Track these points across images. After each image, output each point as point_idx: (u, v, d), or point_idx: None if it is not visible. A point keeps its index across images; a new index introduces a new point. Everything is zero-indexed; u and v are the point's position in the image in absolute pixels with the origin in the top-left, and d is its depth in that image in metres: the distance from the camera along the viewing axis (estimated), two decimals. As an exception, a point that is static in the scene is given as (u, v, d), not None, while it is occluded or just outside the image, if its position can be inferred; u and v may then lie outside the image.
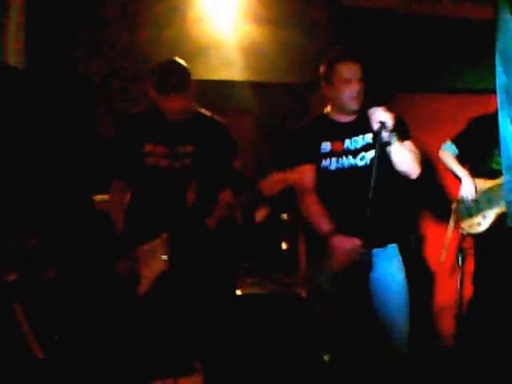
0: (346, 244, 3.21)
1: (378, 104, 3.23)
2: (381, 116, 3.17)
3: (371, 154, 3.29)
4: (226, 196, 3.33)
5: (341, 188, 3.31)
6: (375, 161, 3.16)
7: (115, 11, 4.77)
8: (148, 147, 3.37)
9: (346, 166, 3.33)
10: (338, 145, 3.35)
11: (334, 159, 3.35)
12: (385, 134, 3.16)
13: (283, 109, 4.84)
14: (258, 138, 4.86)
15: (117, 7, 4.76)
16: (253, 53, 4.73)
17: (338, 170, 3.34)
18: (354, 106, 3.27)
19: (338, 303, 3.34)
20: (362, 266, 3.22)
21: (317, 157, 3.36)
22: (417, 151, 3.32)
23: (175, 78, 3.25)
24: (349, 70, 3.25)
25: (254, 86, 4.76)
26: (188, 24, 4.72)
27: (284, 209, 4.47)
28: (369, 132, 3.32)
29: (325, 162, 3.36)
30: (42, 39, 4.61)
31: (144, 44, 4.70)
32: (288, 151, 3.47)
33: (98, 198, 3.93)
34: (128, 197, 3.49)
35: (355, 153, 3.32)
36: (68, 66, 4.68)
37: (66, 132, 4.57)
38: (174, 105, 3.27)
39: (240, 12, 4.74)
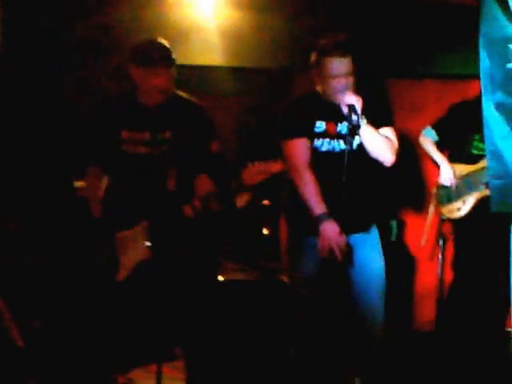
0: (335, 235, 3.21)
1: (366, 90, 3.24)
2: (349, 99, 3.17)
3: (359, 139, 3.29)
4: (205, 184, 3.32)
5: (329, 171, 3.31)
6: (346, 144, 3.19)
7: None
8: (125, 134, 3.32)
9: (336, 149, 3.33)
10: (331, 126, 3.34)
11: (326, 140, 3.34)
12: (354, 117, 3.17)
13: (264, 94, 4.82)
14: (238, 123, 4.84)
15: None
16: (233, 38, 4.69)
17: (328, 152, 3.33)
18: (337, 100, 3.24)
19: (320, 287, 3.36)
20: (342, 261, 3.25)
21: (310, 136, 3.34)
22: (393, 139, 3.32)
23: (161, 51, 3.21)
24: (335, 66, 3.21)
25: (235, 71, 4.73)
26: (167, 8, 4.67)
27: (266, 194, 4.46)
28: None
29: (316, 142, 3.35)
30: (18, 25, 4.55)
31: (122, 28, 4.65)
32: (283, 125, 3.44)
33: (78, 183, 3.89)
34: (105, 182, 3.45)
35: (344, 137, 3.31)
36: (45, 50, 4.63)
37: (45, 116, 4.52)
38: (158, 80, 3.20)
39: (221, -4, 4.71)
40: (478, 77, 3.06)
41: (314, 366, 3.42)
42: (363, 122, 3.18)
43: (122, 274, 3.27)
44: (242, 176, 3.13)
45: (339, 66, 3.20)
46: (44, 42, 4.60)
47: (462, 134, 4.06)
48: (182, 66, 3.32)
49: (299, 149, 3.32)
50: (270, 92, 4.82)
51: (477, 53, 3.00)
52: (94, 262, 3.35)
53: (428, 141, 4.19)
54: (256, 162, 3.12)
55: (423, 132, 4.20)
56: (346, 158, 3.17)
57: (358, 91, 3.22)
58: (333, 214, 3.24)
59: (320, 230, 3.24)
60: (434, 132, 4.17)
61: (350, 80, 3.23)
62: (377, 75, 4.36)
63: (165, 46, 3.23)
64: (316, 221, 3.25)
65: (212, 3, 4.69)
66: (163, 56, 3.20)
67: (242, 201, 4.05)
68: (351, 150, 3.24)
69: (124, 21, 4.64)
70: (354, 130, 3.20)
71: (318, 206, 3.26)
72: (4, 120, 4.17)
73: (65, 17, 4.65)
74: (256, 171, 3.12)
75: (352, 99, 3.17)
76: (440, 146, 4.18)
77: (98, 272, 3.35)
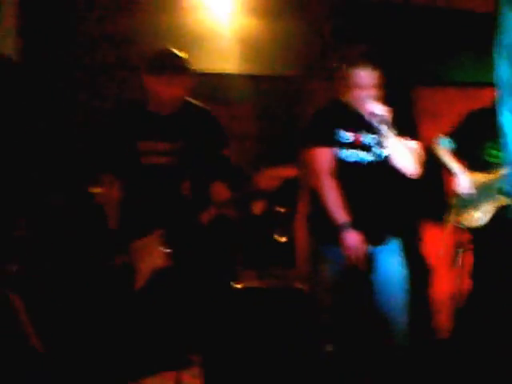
0: (357, 245, 3.21)
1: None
2: (378, 109, 3.16)
3: (385, 151, 3.30)
4: (221, 190, 3.32)
5: (353, 182, 3.30)
6: (373, 156, 3.18)
7: (109, 0, 4.73)
8: (141, 145, 3.32)
9: (361, 160, 3.32)
10: (356, 137, 3.33)
11: (351, 151, 3.33)
12: (382, 127, 3.16)
13: (280, 101, 4.82)
14: (255, 131, 4.84)
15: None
16: (250, 44, 4.70)
17: (353, 163, 3.33)
18: (363, 110, 3.23)
19: (341, 295, 3.36)
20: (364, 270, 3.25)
21: (335, 143, 3.34)
22: (419, 152, 3.31)
23: (176, 59, 3.22)
24: (363, 77, 3.20)
25: (251, 78, 4.72)
26: (183, 14, 4.68)
27: (281, 202, 4.46)
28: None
29: (341, 152, 3.34)
30: (36, 30, 4.57)
31: (138, 34, 4.66)
32: (308, 133, 3.43)
33: (94, 190, 3.91)
34: (120, 190, 3.46)
35: (370, 148, 3.31)
36: (62, 56, 4.65)
37: (63, 122, 4.54)
38: (173, 89, 3.20)
39: (237, 2, 4.70)
40: (491, 84, 3.03)
41: (334, 373, 3.42)
42: (391, 133, 3.17)
43: (140, 282, 3.28)
44: (255, 181, 3.14)
45: (367, 77, 3.19)
46: (59, 48, 4.63)
47: (477, 142, 4.05)
48: (198, 73, 3.32)
49: (323, 157, 3.31)
50: (285, 99, 4.82)
51: (491, 60, 2.99)
52: (111, 269, 3.35)
53: (443, 149, 4.15)
54: (269, 167, 3.13)
55: (438, 141, 4.17)
56: (372, 169, 3.16)
57: (386, 102, 3.20)
58: (357, 224, 3.23)
59: (342, 239, 3.23)
60: (449, 140, 4.14)
61: (378, 91, 3.22)
62: (404, 87, 4.34)
63: (178, 55, 3.23)
64: (338, 229, 3.24)
65: (227, 10, 4.70)
66: (176, 65, 3.20)
67: (257, 208, 4.05)
68: (377, 162, 3.23)
69: (139, 27, 4.66)
70: (382, 140, 3.19)
71: (340, 215, 3.25)
72: (20, 125, 4.19)
73: (80, 23, 4.68)
74: (270, 176, 3.13)
75: (381, 109, 3.16)
76: (455, 154, 4.15)
77: (114, 279, 3.35)
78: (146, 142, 3.32)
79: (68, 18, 4.64)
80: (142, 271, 3.28)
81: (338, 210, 3.26)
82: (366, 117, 3.22)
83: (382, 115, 3.15)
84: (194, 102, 3.39)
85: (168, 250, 3.25)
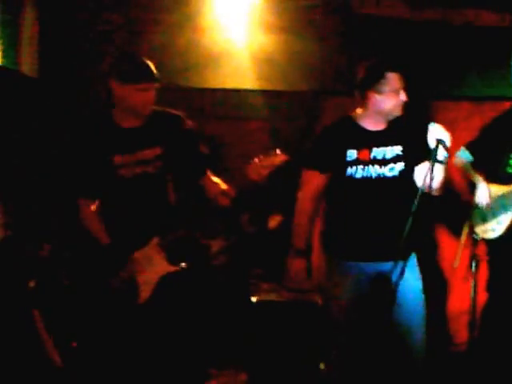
0: (299, 273, 3.36)
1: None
2: (440, 134, 3.13)
3: (400, 165, 3.32)
4: (214, 182, 3.32)
5: (366, 197, 3.31)
6: (427, 178, 3.08)
7: (126, 20, 4.80)
8: (118, 158, 3.28)
9: (373, 175, 3.33)
10: (364, 153, 3.34)
11: (359, 167, 3.33)
12: (440, 152, 3.11)
13: (295, 117, 4.85)
14: (269, 146, 4.84)
15: (127, 16, 4.80)
16: (264, 61, 4.75)
17: (363, 178, 3.33)
18: (398, 113, 3.28)
19: (358, 311, 3.37)
20: (386, 298, 3.21)
21: (342, 164, 3.35)
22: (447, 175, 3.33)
23: (147, 67, 3.19)
24: (399, 81, 3.25)
25: (266, 94, 4.78)
26: (199, 32, 4.74)
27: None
28: (398, 144, 3.34)
29: (350, 170, 3.34)
30: (55, 48, 4.66)
31: (155, 52, 4.72)
32: (308, 152, 3.47)
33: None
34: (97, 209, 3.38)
35: (383, 163, 3.32)
36: (79, 75, 4.73)
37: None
38: (145, 96, 3.18)
39: (252, 20, 4.76)
40: (506, 98, 3.02)
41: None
42: (446, 160, 3.15)
43: (145, 293, 3.25)
44: (245, 173, 3.12)
45: (400, 80, 3.26)
46: (76, 65, 4.70)
47: (497, 153, 4.03)
48: (214, 90, 3.34)
49: (310, 180, 3.39)
50: (301, 114, 4.85)
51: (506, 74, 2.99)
52: (113, 286, 3.32)
53: (463, 161, 4.13)
54: (259, 156, 3.13)
55: (458, 153, 4.14)
56: (381, 183, 3.17)
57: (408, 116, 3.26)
58: (372, 240, 3.24)
59: (288, 263, 3.35)
60: (468, 153, 4.12)
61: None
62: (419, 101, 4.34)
63: (148, 63, 3.21)
64: (288, 251, 3.35)
65: (243, 27, 4.76)
66: (151, 72, 3.18)
67: (273, 223, 4.07)
68: (393, 177, 3.25)
69: (157, 46, 4.72)
70: (433, 164, 3.12)
71: (298, 239, 3.38)
72: (38, 142, 4.25)
73: (97, 42, 4.76)
74: (260, 166, 3.12)
75: (443, 134, 3.11)
76: (474, 166, 4.13)
77: (118, 296, 3.33)
78: (121, 155, 3.28)
79: (84, 39, 4.73)
80: (146, 282, 3.25)
81: (298, 234, 3.38)
82: (376, 132, 3.25)
83: (442, 139, 3.11)
84: (162, 109, 3.35)
85: (184, 264, 3.26)
